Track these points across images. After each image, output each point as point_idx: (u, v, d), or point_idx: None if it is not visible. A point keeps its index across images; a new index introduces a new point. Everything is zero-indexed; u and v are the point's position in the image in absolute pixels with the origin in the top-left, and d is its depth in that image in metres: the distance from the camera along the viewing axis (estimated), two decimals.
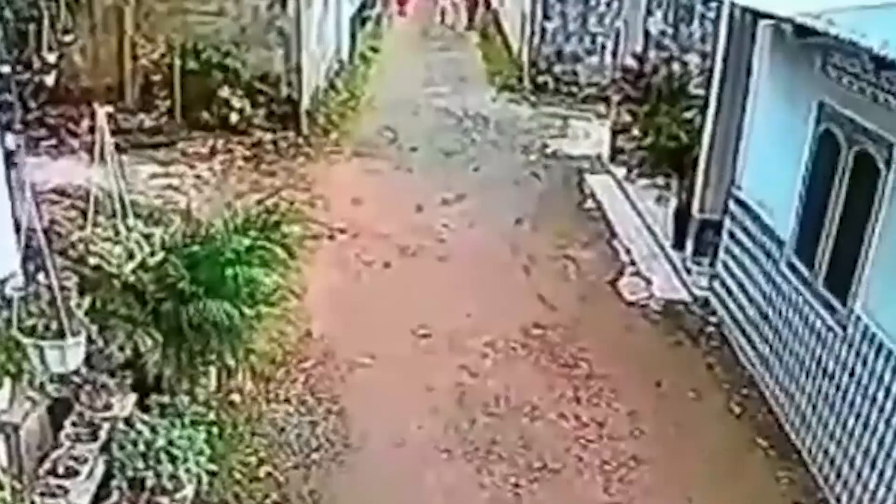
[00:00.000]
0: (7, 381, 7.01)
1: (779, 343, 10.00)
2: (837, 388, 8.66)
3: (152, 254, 8.39)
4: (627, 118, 16.22)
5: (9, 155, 7.57)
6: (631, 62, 17.79)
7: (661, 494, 8.80)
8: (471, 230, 15.19)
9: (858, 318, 8.39)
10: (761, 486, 8.93)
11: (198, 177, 16.18)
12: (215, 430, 8.50)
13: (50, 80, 15.13)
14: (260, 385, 9.92)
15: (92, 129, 8.68)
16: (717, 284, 12.12)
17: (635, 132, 15.36)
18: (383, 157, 19.16)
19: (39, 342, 7.02)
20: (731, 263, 11.59)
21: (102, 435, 7.59)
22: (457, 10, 38.93)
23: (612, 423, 9.83)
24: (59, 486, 7.05)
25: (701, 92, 13.71)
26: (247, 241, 9.21)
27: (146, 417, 7.92)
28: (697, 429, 9.78)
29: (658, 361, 11.13)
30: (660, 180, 14.48)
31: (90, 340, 7.50)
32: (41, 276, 7.44)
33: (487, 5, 38.47)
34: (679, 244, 13.52)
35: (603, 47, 25.01)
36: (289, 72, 18.99)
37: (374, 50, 30.68)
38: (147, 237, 8.44)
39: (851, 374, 8.44)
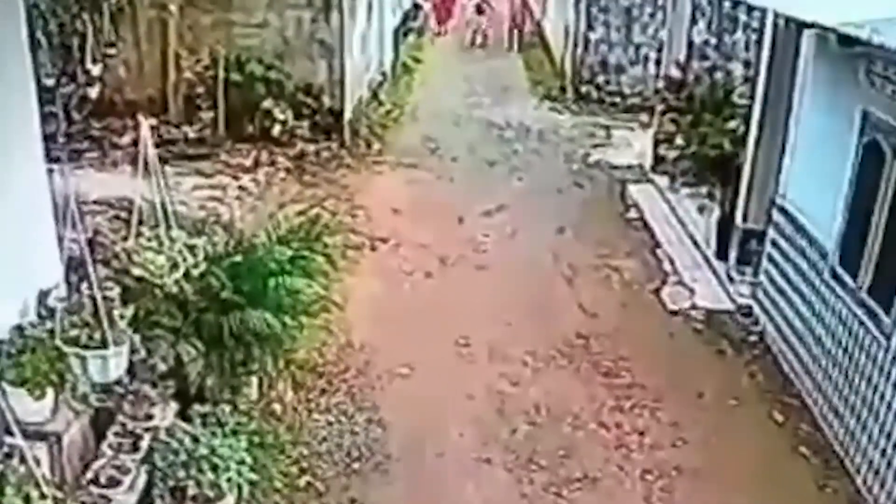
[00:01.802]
0: (50, 391, 7.07)
1: (822, 352, 9.91)
2: (882, 397, 8.56)
3: (195, 264, 8.46)
4: (671, 127, 16.12)
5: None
6: (674, 72, 17.73)
7: None
8: (512, 240, 15.19)
9: None
10: (804, 495, 8.83)
11: (241, 188, 16.24)
12: (256, 439, 8.48)
13: (94, 92, 15.27)
14: (301, 394, 9.95)
15: (135, 141, 8.75)
16: (760, 293, 12.04)
17: (678, 141, 15.27)
18: (425, 167, 19.18)
19: (82, 352, 7.09)
20: (775, 272, 11.51)
21: (144, 445, 7.64)
22: (496, 27, 36.80)
23: (654, 432, 9.78)
24: (102, 496, 7.09)
25: (744, 101, 13.64)
26: (289, 252, 9.30)
27: (188, 427, 7.94)
28: (739, 438, 9.70)
29: (700, 370, 11.07)
30: (703, 189, 14.37)
31: (133, 350, 7.57)
32: (84, 287, 7.52)
33: (532, 19, 36.83)
34: (722, 253, 13.42)
35: (646, 57, 24.96)
36: (332, 83, 19.05)
37: (417, 61, 30.71)
38: (190, 248, 8.51)
39: None
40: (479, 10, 36.58)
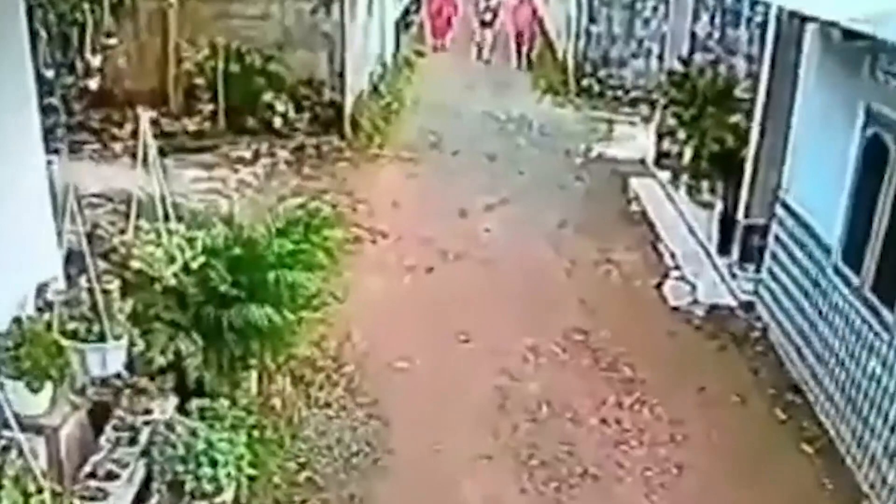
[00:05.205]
0: (48, 384, 7.03)
1: (825, 348, 9.87)
2: (884, 392, 8.53)
3: (194, 257, 8.41)
4: (673, 122, 16.05)
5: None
6: (677, 65, 17.67)
7: (702, 501, 8.72)
8: (514, 234, 15.14)
9: None
10: (806, 492, 8.79)
11: (241, 181, 16.17)
12: (255, 433, 8.47)
13: (93, 83, 15.22)
14: (300, 389, 9.92)
15: (135, 133, 8.72)
16: (762, 289, 12.00)
17: (681, 135, 15.20)
18: (426, 160, 19.13)
19: (80, 346, 7.07)
20: (777, 268, 11.47)
21: (142, 438, 7.59)
22: (501, 43, 32.33)
23: (655, 428, 9.74)
24: (99, 489, 7.04)
25: (747, 95, 13.59)
26: (289, 245, 9.21)
27: (186, 420, 7.90)
28: (741, 434, 9.66)
29: (702, 366, 11.03)
30: (705, 184, 14.31)
31: (131, 344, 7.54)
32: (83, 280, 7.49)
33: (541, 29, 32.21)
34: (724, 249, 13.39)
35: (649, 51, 24.94)
36: (332, 76, 18.97)
37: (419, 54, 30.59)
38: (189, 241, 8.47)
39: None
40: (485, 24, 32.65)
